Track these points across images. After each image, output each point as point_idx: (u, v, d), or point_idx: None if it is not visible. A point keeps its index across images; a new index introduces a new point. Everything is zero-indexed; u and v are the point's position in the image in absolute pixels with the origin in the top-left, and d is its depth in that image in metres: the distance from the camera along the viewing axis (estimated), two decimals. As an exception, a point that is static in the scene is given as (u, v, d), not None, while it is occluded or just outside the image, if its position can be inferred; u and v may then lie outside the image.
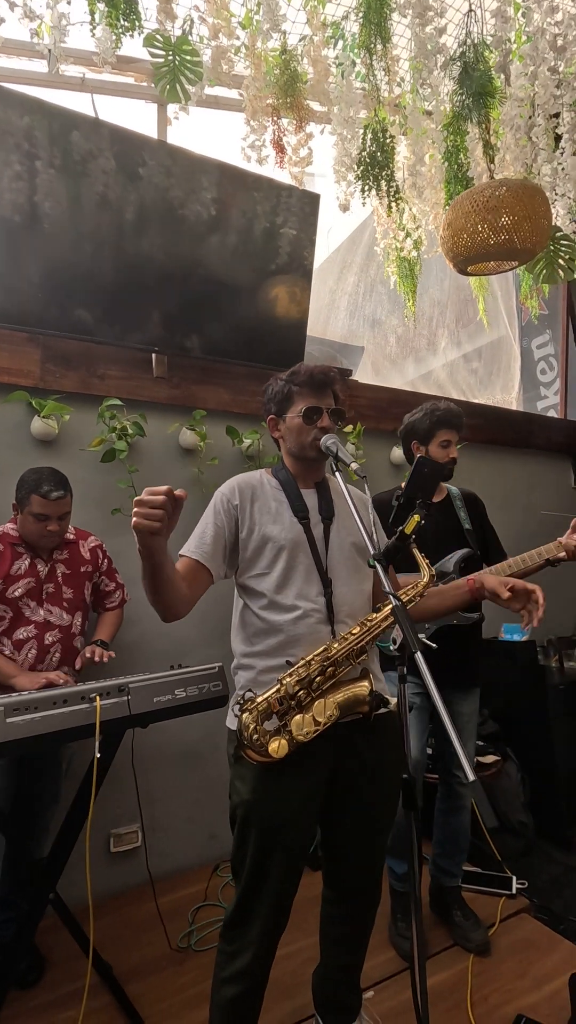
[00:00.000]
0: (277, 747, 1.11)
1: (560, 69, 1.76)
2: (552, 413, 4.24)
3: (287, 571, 1.29)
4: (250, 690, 1.20)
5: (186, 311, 2.49)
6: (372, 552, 1.11)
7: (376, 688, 1.24)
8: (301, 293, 2.88)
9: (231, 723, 1.30)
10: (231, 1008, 1.25)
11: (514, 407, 3.92)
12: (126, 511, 2.32)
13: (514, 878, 2.18)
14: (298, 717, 1.15)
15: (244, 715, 1.14)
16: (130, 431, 2.27)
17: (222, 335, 2.60)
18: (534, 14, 1.71)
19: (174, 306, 2.46)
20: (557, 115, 2.18)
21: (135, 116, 2.60)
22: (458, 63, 1.81)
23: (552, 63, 1.74)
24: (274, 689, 1.17)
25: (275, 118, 2.14)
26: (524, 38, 1.97)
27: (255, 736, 1.12)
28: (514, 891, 2.11)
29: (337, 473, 1.31)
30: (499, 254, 1.97)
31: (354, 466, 1.21)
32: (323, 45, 1.99)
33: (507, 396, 3.86)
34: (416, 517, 1.12)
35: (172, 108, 2.33)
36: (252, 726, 1.12)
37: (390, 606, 1.27)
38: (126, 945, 1.90)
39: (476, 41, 1.79)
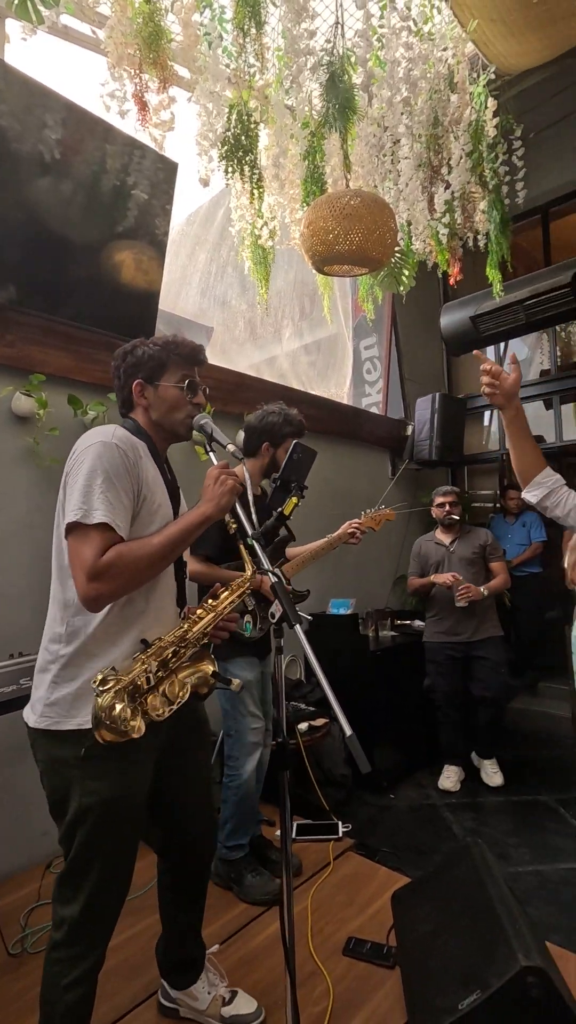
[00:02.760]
0: (137, 727, 1.09)
1: (413, 103, 1.96)
2: (374, 410, 4.71)
3: None
4: (112, 668, 1.13)
5: (20, 260, 2.22)
6: (251, 531, 1.15)
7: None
8: (149, 262, 2.76)
9: (64, 723, 1.16)
10: (75, 1012, 1.19)
11: (345, 401, 4.27)
12: (-55, 483, 2.02)
13: (340, 823, 2.45)
14: (152, 697, 1.15)
15: (102, 697, 1.06)
16: (-48, 391, 1.98)
17: (64, 295, 2.38)
18: (391, 44, 1.87)
19: (7, 254, 2.18)
20: (398, 141, 2.42)
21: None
22: (325, 69, 1.90)
23: (403, 94, 1.93)
24: (139, 668, 1.14)
25: (137, 71, 2.01)
26: (380, 60, 2.15)
27: (122, 717, 1.07)
28: (340, 835, 2.37)
29: (211, 453, 1.31)
30: (351, 259, 2.13)
31: (231, 447, 1.25)
32: (194, 9, 1.92)
33: (340, 391, 4.19)
34: (294, 499, 1.20)
35: (13, 25, 2.04)
36: (119, 707, 1.07)
37: (227, 592, 1.29)
38: (-53, 964, 1.71)
39: (342, 53, 1.91)
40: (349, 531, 2.24)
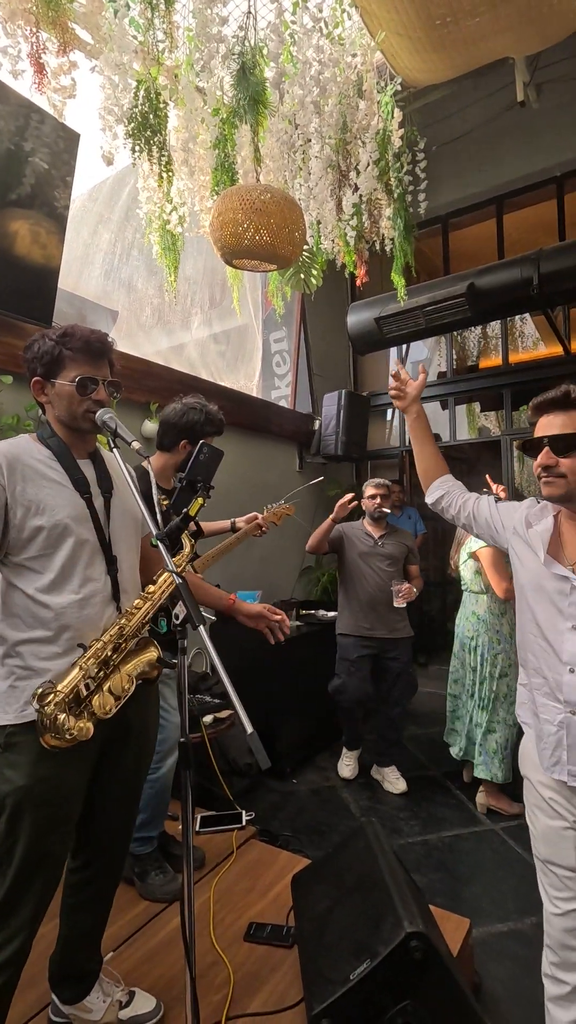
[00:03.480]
0: (84, 729, 1.12)
1: (324, 108, 1.98)
2: (283, 403, 4.76)
3: (74, 552, 1.24)
4: (50, 681, 1.15)
5: None
6: (155, 532, 1.14)
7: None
8: (48, 236, 2.60)
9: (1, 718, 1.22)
10: None
11: (255, 393, 4.28)
12: None
13: (243, 812, 2.49)
14: (98, 696, 1.17)
15: (47, 707, 1.10)
16: None
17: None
18: (303, 43, 1.88)
19: None
20: (309, 140, 2.45)
21: None
22: (237, 60, 1.87)
23: (314, 96, 1.95)
24: (77, 675, 1.15)
25: (34, 29, 1.86)
26: (292, 57, 2.15)
27: (65, 726, 1.10)
28: (243, 823, 2.41)
29: (115, 450, 1.28)
30: (260, 255, 2.13)
31: (135, 444, 1.22)
32: (97, -28, 1.80)
33: (249, 383, 4.19)
34: (200, 500, 1.19)
35: None
36: (62, 717, 1.10)
37: (165, 578, 1.33)
38: None
39: (254, 46, 1.88)
40: (253, 526, 2.30)
